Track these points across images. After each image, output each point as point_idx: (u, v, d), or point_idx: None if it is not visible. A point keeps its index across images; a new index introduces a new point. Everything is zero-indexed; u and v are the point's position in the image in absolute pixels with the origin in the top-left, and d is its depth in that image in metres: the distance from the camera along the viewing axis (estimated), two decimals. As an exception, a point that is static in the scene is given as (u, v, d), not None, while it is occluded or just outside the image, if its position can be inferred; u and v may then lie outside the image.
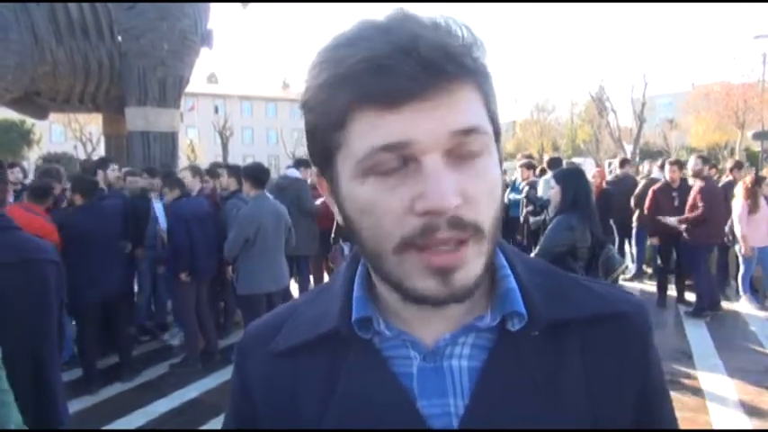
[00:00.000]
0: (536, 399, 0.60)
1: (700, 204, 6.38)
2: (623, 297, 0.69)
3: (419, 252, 0.55)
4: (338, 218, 0.62)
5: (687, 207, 6.55)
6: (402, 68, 0.51)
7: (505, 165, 11.27)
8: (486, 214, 0.56)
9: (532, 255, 4.11)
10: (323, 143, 0.58)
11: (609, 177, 9.61)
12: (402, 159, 0.54)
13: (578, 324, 0.64)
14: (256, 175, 4.91)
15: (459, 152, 0.54)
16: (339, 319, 0.65)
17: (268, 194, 5.18)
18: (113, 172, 6.37)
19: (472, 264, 0.56)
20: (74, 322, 4.96)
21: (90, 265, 4.62)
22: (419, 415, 0.60)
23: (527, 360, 0.61)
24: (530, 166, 8.00)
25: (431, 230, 0.53)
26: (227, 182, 6.26)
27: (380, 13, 0.58)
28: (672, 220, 6.58)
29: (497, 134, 0.59)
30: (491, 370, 0.61)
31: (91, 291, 4.68)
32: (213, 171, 6.77)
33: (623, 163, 9.49)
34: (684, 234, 6.53)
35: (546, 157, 8.82)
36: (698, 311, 6.56)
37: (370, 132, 0.53)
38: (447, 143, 0.53)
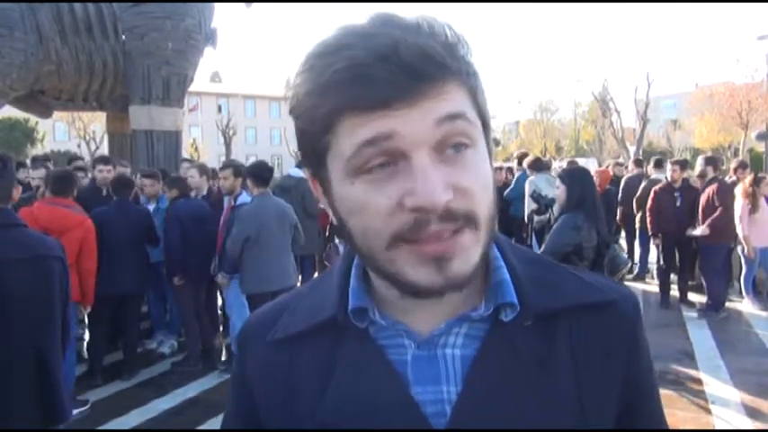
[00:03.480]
0: (526, 385, 0.62)
1: (717, 205, 6.41)
2: (612, 286, 0.71)
3: (410, 244, 0.56)
4: (332, 218, 0.64)
5: (700, 207, 6.54)
6: (382, 75, 0.52)
7: (508, 165, 11.30)
8: (480, 204, 0.57)
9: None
10: (313, 146, 0.60)
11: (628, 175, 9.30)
12: (389, 155, 0.55)
13: (567, 313, 0.66)
14: (260, 173, 4.89)
15: (448, 145, 0.55)
16: (336, 308, 0.67)
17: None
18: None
19: (469, 252, 0.57)
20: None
21: (112, 260, 4.74)
22: (413, 401, 0.62)
23: (519, 348, 0.63)
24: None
25: (422, 225, 0.55)
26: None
27: (379, 10, 0.59)
28: (697, 233, 6.61)
29: (486, 128, 0.61)
30: (483, 358, 0.63)
31: (108, 285, 4.75)
32: (214, 170, 6.74)
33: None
34: (698, 236, 6.56)
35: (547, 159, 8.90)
36: (711, 311, 6.54)
37: (356, 131, 0.55)
38: (433, 135, 0.54)
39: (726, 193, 6.54)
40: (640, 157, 12.78)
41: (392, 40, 0.53)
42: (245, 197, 5.13)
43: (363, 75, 0.53)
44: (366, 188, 0.56)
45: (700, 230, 6.59)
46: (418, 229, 0.55)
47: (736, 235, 6.85)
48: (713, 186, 6.59)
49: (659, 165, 8.46)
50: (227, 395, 0.78)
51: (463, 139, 0.56)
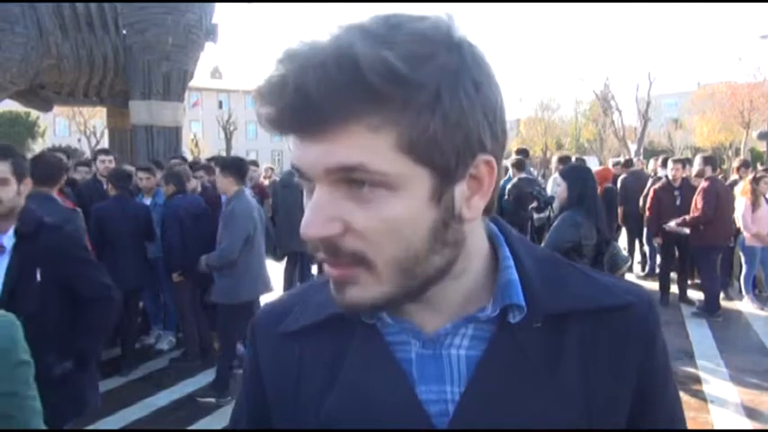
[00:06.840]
0: (531, 388, 0.61)
1: (700, 206, 6.37)
2: (627, 288, 0.69)
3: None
4: None
5: (692, 208, 6.52)
6: (285, 103, 0.52)
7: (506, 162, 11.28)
8: (378, 248, 0.55)
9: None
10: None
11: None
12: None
13: (579, 315, 0.65)
14: (238, 166, 4.50)
15: (349, 182, 0.54)
16: None
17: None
18: None
19: (364, 287, 0.57)
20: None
21: (111, 255, 4.73)
22: (416, 399, 0.62)
23: (525, 351, 0.62)
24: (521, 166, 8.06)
25: (315, 249, 0.57)
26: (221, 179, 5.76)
27: (380, 9, 0.56)
28: (672, 226, 6.59)
29: (437, 166, 0.54)
30: (488, 359, 0.62)
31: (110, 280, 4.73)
32: (209, 167, 6.40)
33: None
34: (691, 236, 6.52)
35: (555, 157, 8.91)
36: (708, 312, 6.52)
37: (292, 147, 0.57)
38: (328, 176, 0.54)
39: (713, 194, 6.37)
40: (630, 157, 12.85)
41: (302, 67, 0.50)
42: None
43: (270, 99, 0.53)
44: (306, 196, 0.59)
45: (673, 223, 6.57)
46: (314, 251, 0.58)
47: (735, 235, 6.83)
48: (701, 186, 6.54)
49: (665, 164, 8.02)
50: (240, 385, 0.78)
51: (368, 180, 0.53)
